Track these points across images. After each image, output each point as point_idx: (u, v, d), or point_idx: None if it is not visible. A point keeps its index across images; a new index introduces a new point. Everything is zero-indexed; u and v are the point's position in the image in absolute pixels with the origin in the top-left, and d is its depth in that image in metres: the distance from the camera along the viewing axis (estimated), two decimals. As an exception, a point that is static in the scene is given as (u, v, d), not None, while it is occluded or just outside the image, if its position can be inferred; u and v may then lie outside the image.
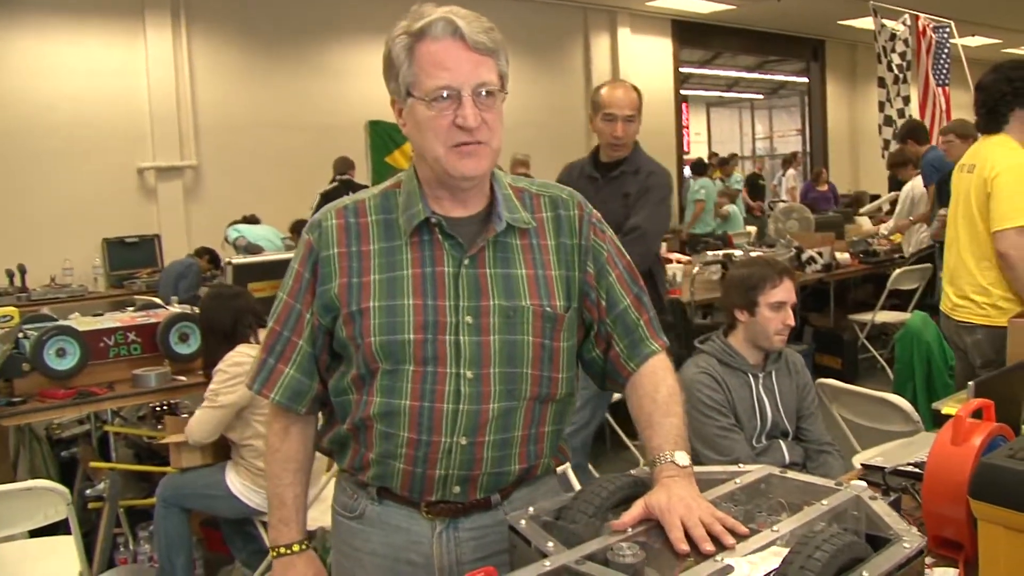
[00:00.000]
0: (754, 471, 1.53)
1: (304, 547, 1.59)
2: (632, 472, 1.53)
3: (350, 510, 1.58)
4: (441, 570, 1.52)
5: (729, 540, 1.27)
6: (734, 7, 11.62)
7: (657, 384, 1.56)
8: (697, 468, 1.65)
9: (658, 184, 3.55)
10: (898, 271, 6.16)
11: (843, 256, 6.84)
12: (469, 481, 1.48)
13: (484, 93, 1.41)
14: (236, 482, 3.16)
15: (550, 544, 1.29)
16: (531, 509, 1.41)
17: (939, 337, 4.25)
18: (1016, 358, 2.83)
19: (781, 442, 2.71)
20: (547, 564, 1.23)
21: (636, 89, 3.72)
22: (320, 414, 1.64)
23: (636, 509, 1.35)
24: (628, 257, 1.63)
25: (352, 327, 1.46)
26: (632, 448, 4.86)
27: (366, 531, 1.55)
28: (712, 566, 1.20)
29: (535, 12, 10.82)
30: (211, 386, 3.12)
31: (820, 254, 6.46)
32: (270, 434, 1.62)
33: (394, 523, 1.53)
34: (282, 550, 1.58)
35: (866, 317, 6.40)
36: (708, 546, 1.27)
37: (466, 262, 1.47)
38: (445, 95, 1.39)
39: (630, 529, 1.32)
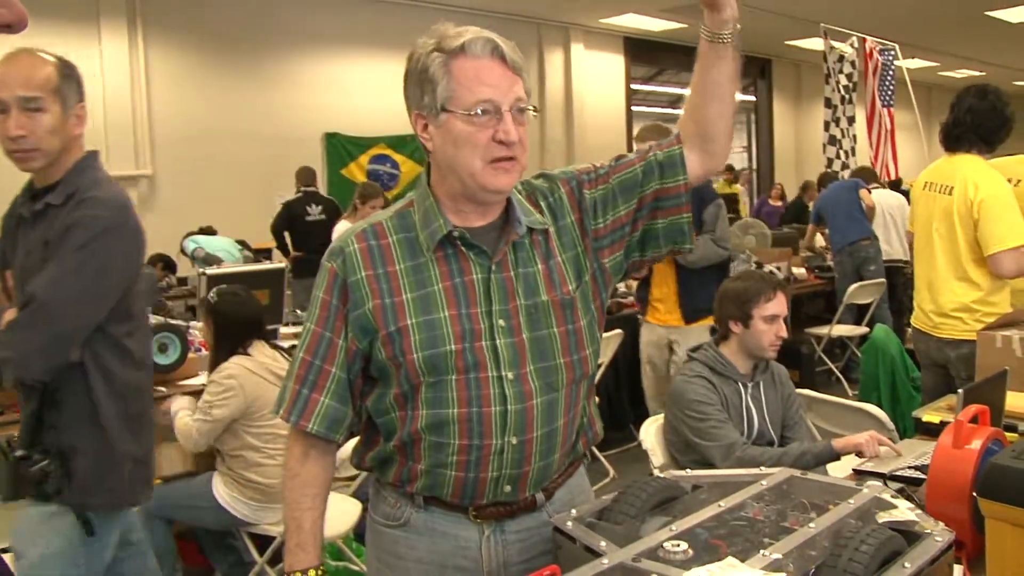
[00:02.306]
0: (776, 473, 1.60)
1: (320, 572, 1.58)
2: (662, 475, 1.59)
3: (393, 519, 1.59)
4: (489, 573, 1.56)
5: None
6: (686, 25, 11.84)
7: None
8: (721, 472, 1.72)
9: (85, 224, 2.01)
10: (854, 286, 6.35)
11: (799, 271, 7.03)
12: (520, 479, 1.52)
13: (519, 110, 1.47)
14: (224, 493, 3.15)
15: (603, 543, 1.34)
16: (574, 511, 1.47)
17: (901, 350, 4.41)
18: (985, 368, 2.97)
19: (774, 447, 2.80)
20: (604, 562, 1.28)
21: (55, 60, 2.09)
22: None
23: None
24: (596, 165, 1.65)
25: (392, 347, 1.48)
26: (602, 459, 4.92)
27: (411, 539, 1.57)
28: (760, 561, 1.27)
29: (490, 27, 10.30)
30: (205, 397, 3.09)
31: (779, 268, 6.62)
32: (289, 458, 1.61)
33: (441, 529, 1.56)
34: (298, 575, 1.57)
35: (822, 331, 6.58)
36: None
37: (493, 268, 1.51)
38: (484, 110, 1.43)
39: (674, 527, 1.38)
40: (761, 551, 1.29)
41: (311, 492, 1.59)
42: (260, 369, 3.15)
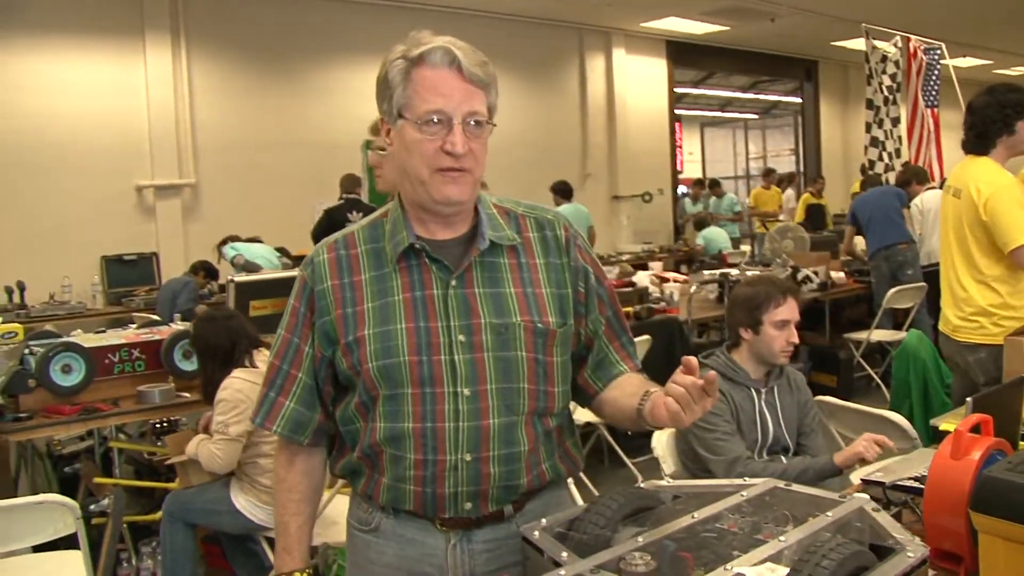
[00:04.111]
0: (760, 484, 1.57)
1: (306, 575, 1.61)
2: (641, 485, 1.56)
3: (365, 524, 1.61)
4: None
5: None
6: (728, 28, 11.73)
7: (630, 379, 1.63)
8: (703, 481, 1.69)
9: None
10: (893, 290, 6.22)
11: (838, 275, 6.91)
12: (479, 496, 1.52)
13: (473, 123, 1.47)
14: (240, 498, 3.19)
15: (564, 554, 1.32)
16: (544, 521, 1.45)
17: (935, 355, 4.30)
18: (1012, 374, 2.88)
19: (782, 457, 2.75)
20: (562, 573, 1.26)
21: None
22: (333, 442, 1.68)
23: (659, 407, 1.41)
24: (608, 279, 1.70)
25: (351, 356, 1.51)
26: (630, 466, 4.89)
27: (380, 544, 1.58)
28: (723, 574, 1.24)
29: (531, 32, 10.94)
30: (218, 418, 3.14)
31: (816, 273, 6.51)
32: (277, 464, 1.66)
33: (409, 536, 1.56)
34: None
35: (861, 336, 6.45)
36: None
37: (453, 283, 1.51)
38: (436, 119, 1.44)
39: (640, 539, 1.36)
40: (724, 564, 1.26)
41: (296, 498, 1.63)
42: (261, 378, 3.18)
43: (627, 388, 1.59)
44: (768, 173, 13.17)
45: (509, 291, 1.53)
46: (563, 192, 9.18)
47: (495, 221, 1.57)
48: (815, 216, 11.05)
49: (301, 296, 1.57)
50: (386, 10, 9.39)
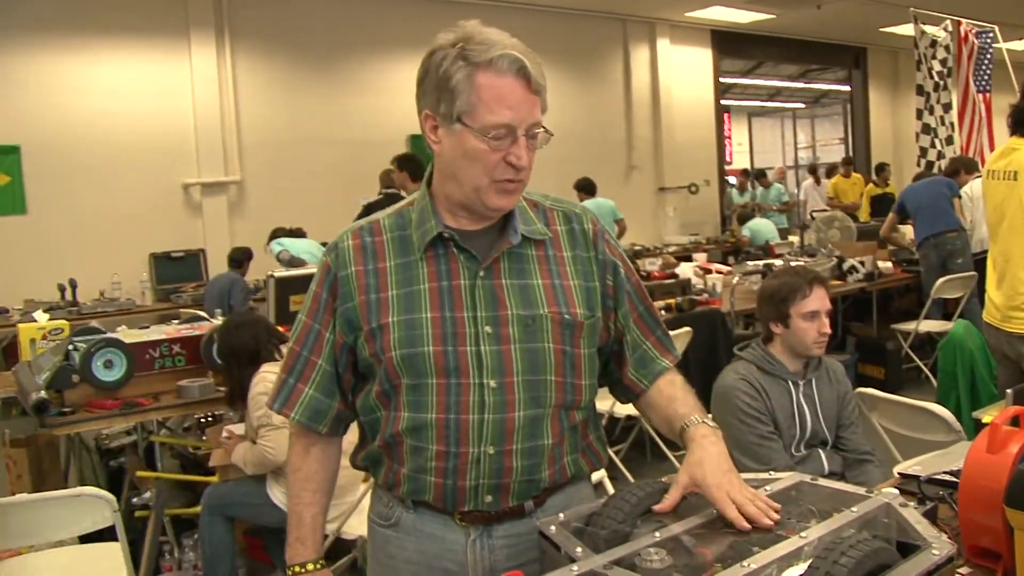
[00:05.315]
0: (785, 478, 1.54)
1: (319, 566, 1.60)
2: (663, 479, 1.54)
3: (385, 518, 1.60)
4: None
5: (767, 521, 1.36)
6: (774, 16, 11.56)
7: (674, 385, 1.64)
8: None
9: None
10: (942, 280, 6.07)
11: (885, 265, 6.77)
12: (500, 490, 1.50)
13: (533, 134, 1.45)
14: (276, 491, 3.22)
15: (579, 549, 1.30)
16: (561, 515, 1.43)
17: (983, 346, 4.17)
18: (1059, 367, 2.79)
19: (820, 451, 2.70)
20: (575, 569, 1.24)
21: None
22: (356, 431, 1.67)
23: (677, 489, 1.43)
24: (636, 275, 1.69)
25: (374, 343, 1.49)
26: (672, 459, 4.85)
27: (401, 539, 1.58)
28: (739, 571, 1.21)
29: (575, 24, 10.89)
30: (257, 414, 3.17)
31: (862, 263, 6.39)
32: (292, 453, 1.65)
33: (428, 531, 1.55)
34: (297, 569, 1.59)
35: (910, 326, 6.31)
36: (767, 521, 1.36)
37: (481, 274, 1.49)
38: (500, 135, 1.41)
39: (657, 534, 1.34)
40: (741, 562, 1.23)
41: (311, 487, 1.63)
42: None
43: (669, 393, 1.63)
44: (848, 161, 12.73)
45: (537, 283, 1.52)
46: (586, 188, 9.31)
47: (526, 215, 1.56)
48: (883, 206, 10.79)
49: (323, 282, 1.56)
50: (429, 5, 9.39)
